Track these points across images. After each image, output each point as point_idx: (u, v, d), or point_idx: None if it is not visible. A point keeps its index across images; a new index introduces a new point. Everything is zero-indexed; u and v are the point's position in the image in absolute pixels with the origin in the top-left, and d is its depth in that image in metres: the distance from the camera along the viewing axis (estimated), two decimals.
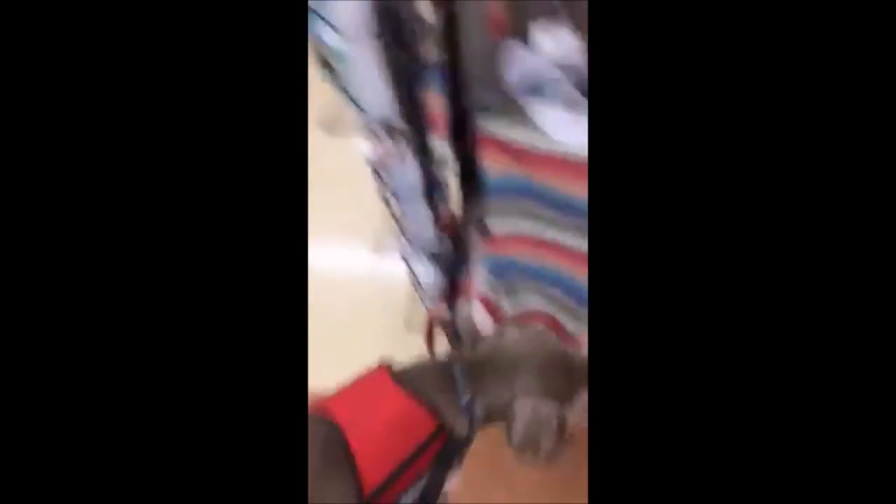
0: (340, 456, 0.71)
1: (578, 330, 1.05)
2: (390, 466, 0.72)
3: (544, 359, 0.84)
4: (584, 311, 1.01)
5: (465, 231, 1.07)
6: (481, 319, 1.09)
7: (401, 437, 0.75)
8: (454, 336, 1.18)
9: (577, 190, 0.86)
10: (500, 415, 0.83)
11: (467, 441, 0.83)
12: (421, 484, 0.77)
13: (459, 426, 0.80)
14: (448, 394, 0.80)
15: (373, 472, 0.71)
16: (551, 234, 0.94)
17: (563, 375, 0.83)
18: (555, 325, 1.08)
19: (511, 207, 0.93)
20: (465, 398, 0.80)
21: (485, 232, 1.00)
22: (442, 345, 1.22)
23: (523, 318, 1.08)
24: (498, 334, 0.93)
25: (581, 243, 0.93)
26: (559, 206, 0.90)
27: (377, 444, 0.73)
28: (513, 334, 0.90)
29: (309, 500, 0.60)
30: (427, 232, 1.03)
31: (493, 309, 1.07)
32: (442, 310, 1.14)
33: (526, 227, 0.95)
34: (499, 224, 0.95)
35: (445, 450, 0.78)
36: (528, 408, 0.80)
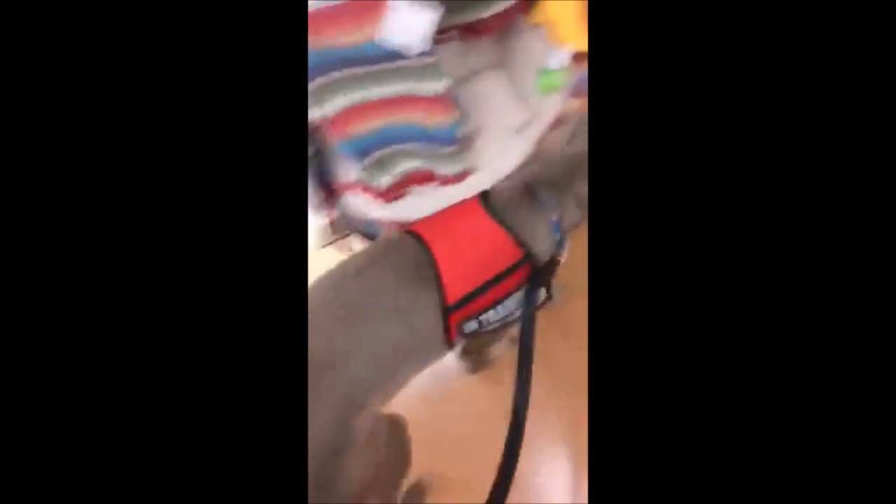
0: (427, 269, 0.77)
1: (455, 168, 1.04)
2: (473, 285, 0.78)
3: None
4: (450, 148, 1.00)
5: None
6: (364, 204, 1.08)
7: (486, 260, 0.79)
8: (363, 231, 1.19)
9: (365, 35, 0.81)
10: None
11: (555, 263, 0.86)
12: (505, 307, 0.82)
13: (546, 251, 0.84)
14: (537, 217, 0.83)
15: (456, 287, 0.77)
16: (372, 90, 0.90)
17: None
18: (432, 178, 1.08)
19: (324, 82, 0.89)
20: (554, 216, 0.83)
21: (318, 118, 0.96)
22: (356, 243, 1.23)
23: (402, 185, 1.08)
24: (544, 141, 0.95)
25: (405, 86, 0.89)
26: (360, 59, 0.85)
27: (462, 263, 0.78)
28: (557, 136, 0.91)
29: (395, 305, 0.74)
30: None
31: (370, 190, 1.06)
32: (333, 214, 1.14)
33: (348, 96, 0.91)
34: (327, 106, 0.91)
35: (532, 277, 0.82)
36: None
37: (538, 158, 0.99)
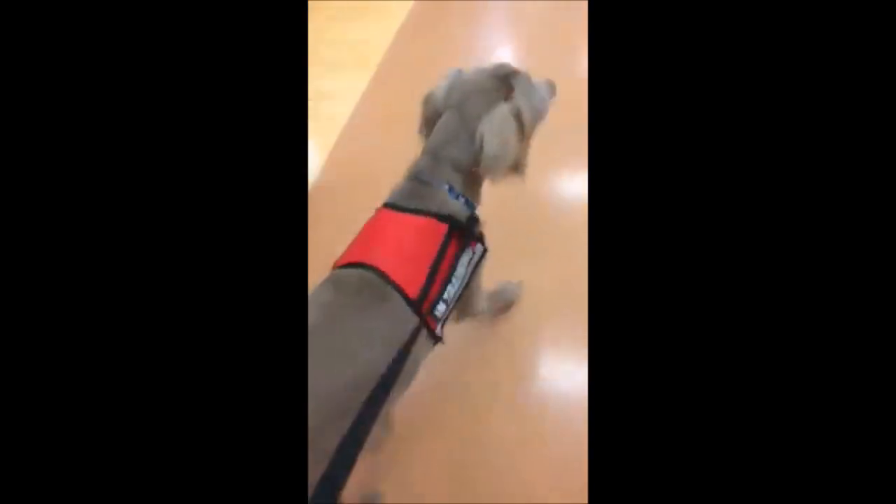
0: (381, 284, 0.83)
1: None
2: (423, 275, 0.85)
3: (476, 79, 0.96)
4: None
5: None
6: None
7: (421, 249, 0.87)
8: None
9: None
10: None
11: (475, 219, 0.97)
12: (458, 276, 0.91)
13: (461, 213, 0.94)
14: (434, 193, 0.93)
15: (412, 284, 0.84)
16: None
17: (497, 81, 0.95)
18: None
19: None
20: (445, 185, 0.93)
21: None
22: None
23: None
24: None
25: None
26: None
27: (405, 263, 0.86)
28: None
29: (375, 328, 0.80)
30: None
31: None
32: None
33: None
34: None
35: (464, 237, 0.92)
36: (485, 123, 0.91)
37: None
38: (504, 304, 1.46)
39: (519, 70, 0.99)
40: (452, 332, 1.13)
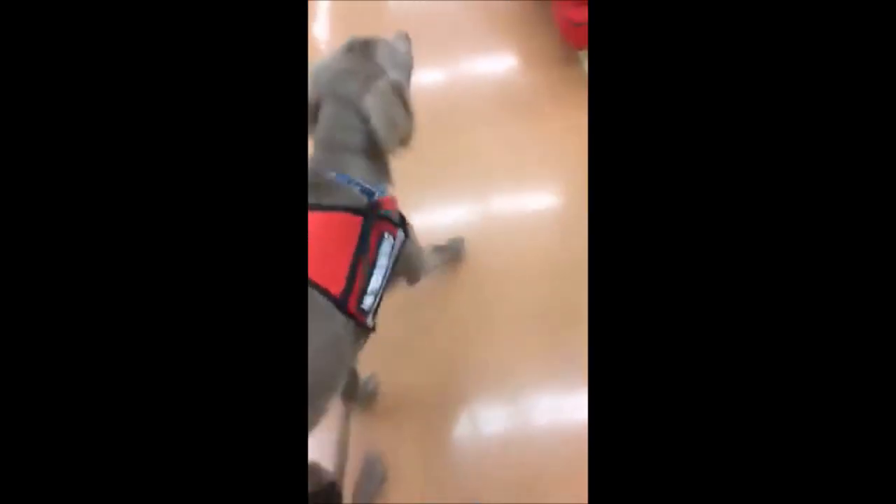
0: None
1: None
2: (344, 272, 0.85)
3: (338, 63, 0.93)
4: None
5: None
6: None
7: (339, 245, 0.86)
8: None
9: None
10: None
11: (377, 203, 0.92)
12: (381, 266, 0.91)
13: (359, 198, 0.91)
14: (336, 184, 0.90)
15: (334, 283, 0.83)
16: None
17: (358, 57, 0.93)
18: None
19: None
20: (344, 177, 0.90)
21: None
22: None
23: None
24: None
25: None
26: None
27: (324, 262, 0.84)
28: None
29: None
30: None
31: None
32: None
33: None
34: None
35: (381, 223, 0.90)
36: (368, 101, 0.89)
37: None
38: (452, 256, 1.48)
39: (372, 37, 0.97)
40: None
